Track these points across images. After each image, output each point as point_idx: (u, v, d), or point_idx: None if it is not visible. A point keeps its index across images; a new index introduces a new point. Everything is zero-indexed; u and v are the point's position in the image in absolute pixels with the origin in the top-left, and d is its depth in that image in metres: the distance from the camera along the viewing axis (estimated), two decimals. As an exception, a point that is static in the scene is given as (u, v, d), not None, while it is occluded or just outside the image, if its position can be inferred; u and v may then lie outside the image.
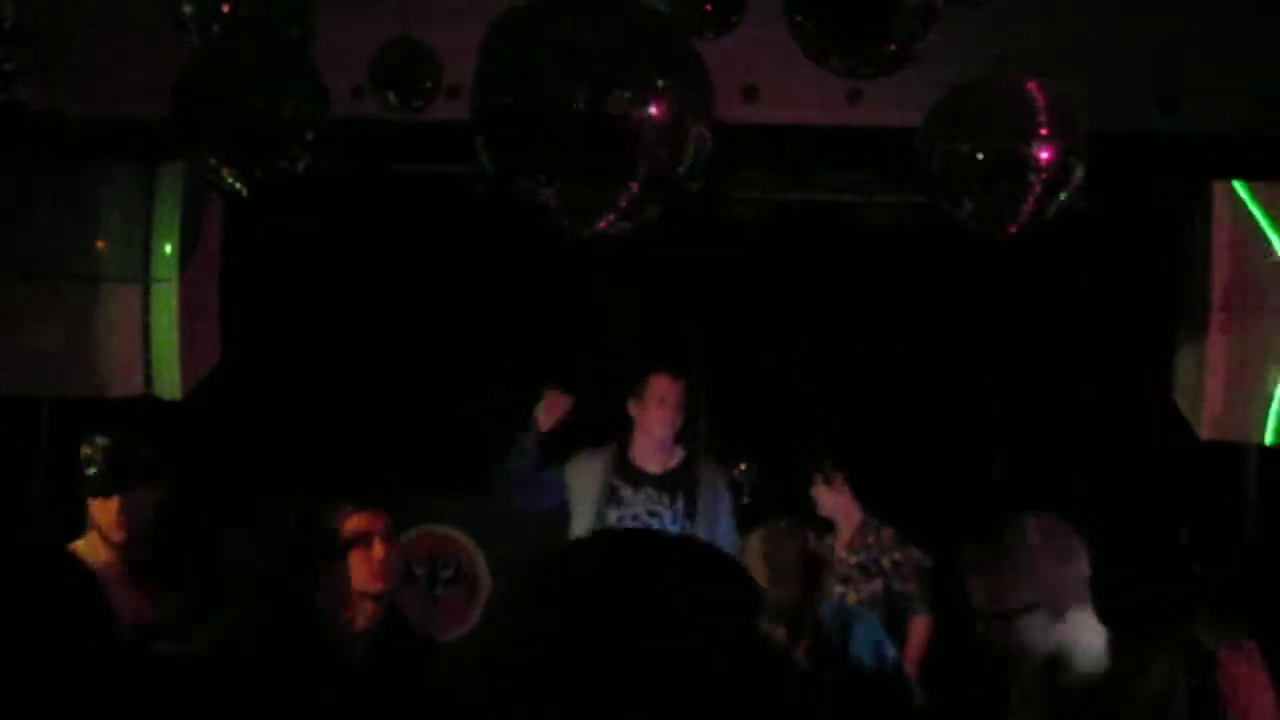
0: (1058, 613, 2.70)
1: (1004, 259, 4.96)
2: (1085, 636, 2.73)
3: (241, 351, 4.97)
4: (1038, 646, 2.61)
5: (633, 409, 4.57)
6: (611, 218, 3.48)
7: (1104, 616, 2.97)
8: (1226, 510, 4.96)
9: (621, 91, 3.40)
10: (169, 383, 4.53)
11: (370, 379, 5.38)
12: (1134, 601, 3.08)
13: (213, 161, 2.97)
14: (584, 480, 4.59)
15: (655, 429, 4.55)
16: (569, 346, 5.31)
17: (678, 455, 4.66)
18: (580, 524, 4.53)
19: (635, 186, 3.45)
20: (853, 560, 4.67)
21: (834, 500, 4.76)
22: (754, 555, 3.43)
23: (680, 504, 4.60)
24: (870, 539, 4.68)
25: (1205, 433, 4.31)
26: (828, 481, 4.76)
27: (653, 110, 3.41)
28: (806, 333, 5.46)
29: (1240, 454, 4.88)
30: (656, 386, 4.54)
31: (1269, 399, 4.18)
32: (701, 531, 4.53)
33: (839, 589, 4.61)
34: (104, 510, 3.19)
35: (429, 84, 3.99)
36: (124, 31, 4.34)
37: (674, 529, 4.58)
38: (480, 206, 5.09)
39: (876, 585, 4.61)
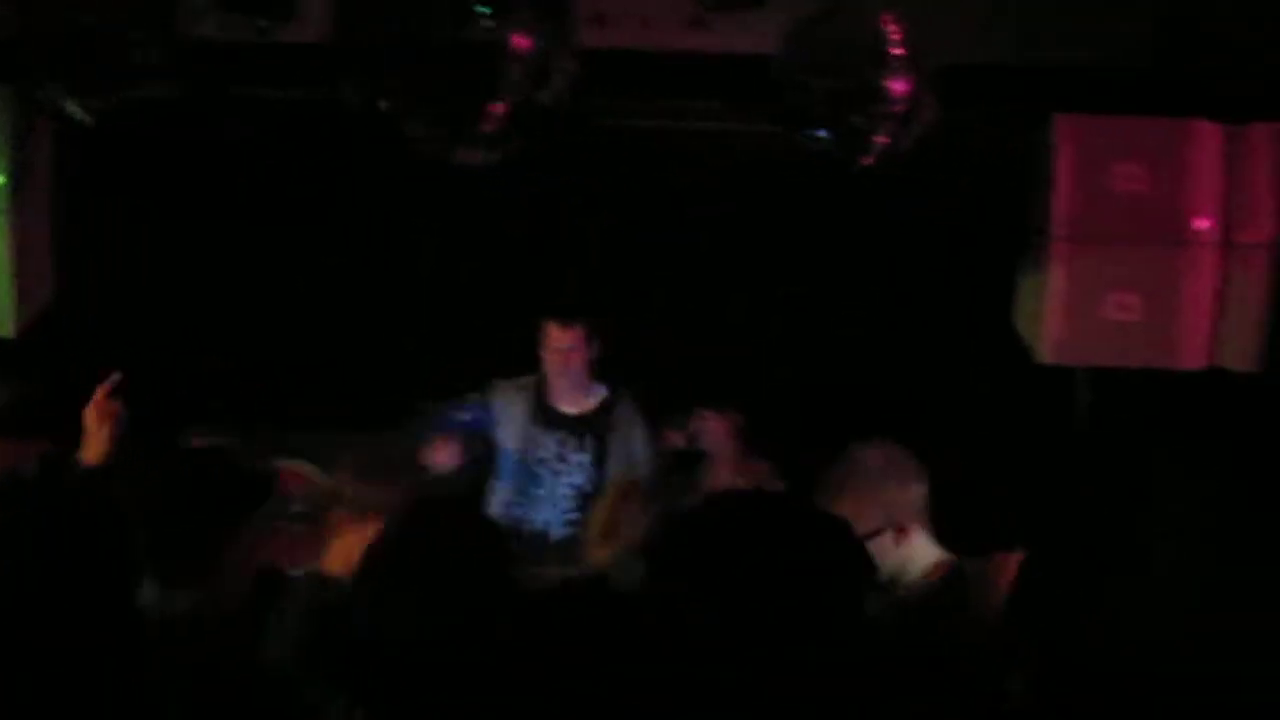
0: (901, 534, 3.00)
1: (856, 187, 5.05)
2: (920, 554, 3.02)
3: (76, 287, 4.77)
4: (883, 566, 2.77)
5: (540, 355, 4.62)
6: (476, 146, 3.44)
7: (940, 534, 3.15)
8: (1057, 430, 5.16)
9: (485, 18, 3.35)
10: (1, 320, 4.33)
11: (216, 313, 5.21)
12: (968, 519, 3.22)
13: (55, 90, 2.83)
14: (510, 415, 4.64)
15: (553, 376, 4.60)
16: (422, 277, 5.23)
17: (596, 397, 4.69)
18: (502, 465, 4.58)
19: (499, 114, 3.42)
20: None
21: (722, 434, 4.74)
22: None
23: (590, 450, 4.63)
24: (754, 469, 4.71)
25: (1045, 357, 4.48)
26: (723, 416, 4.74)
27: (517, 38, 3.37)
28: (667, 264, 5.46)
29: (1071, 377, 5.09)
30: (548, 333, 4.58)
31: (1105, 324, 4.36)
32: (612, 477, 4.57)
33: None
34: None
35: (280, 6, 3.86)
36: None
37: (580, 476, 4.60)
38: (338, 136, 4.98)
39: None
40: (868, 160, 3.95)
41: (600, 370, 4.71)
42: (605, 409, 4.69)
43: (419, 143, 3.50)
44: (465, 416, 4.63)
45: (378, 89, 3.42)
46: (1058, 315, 4.36)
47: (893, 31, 3.88)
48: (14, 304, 4.32)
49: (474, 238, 5.38)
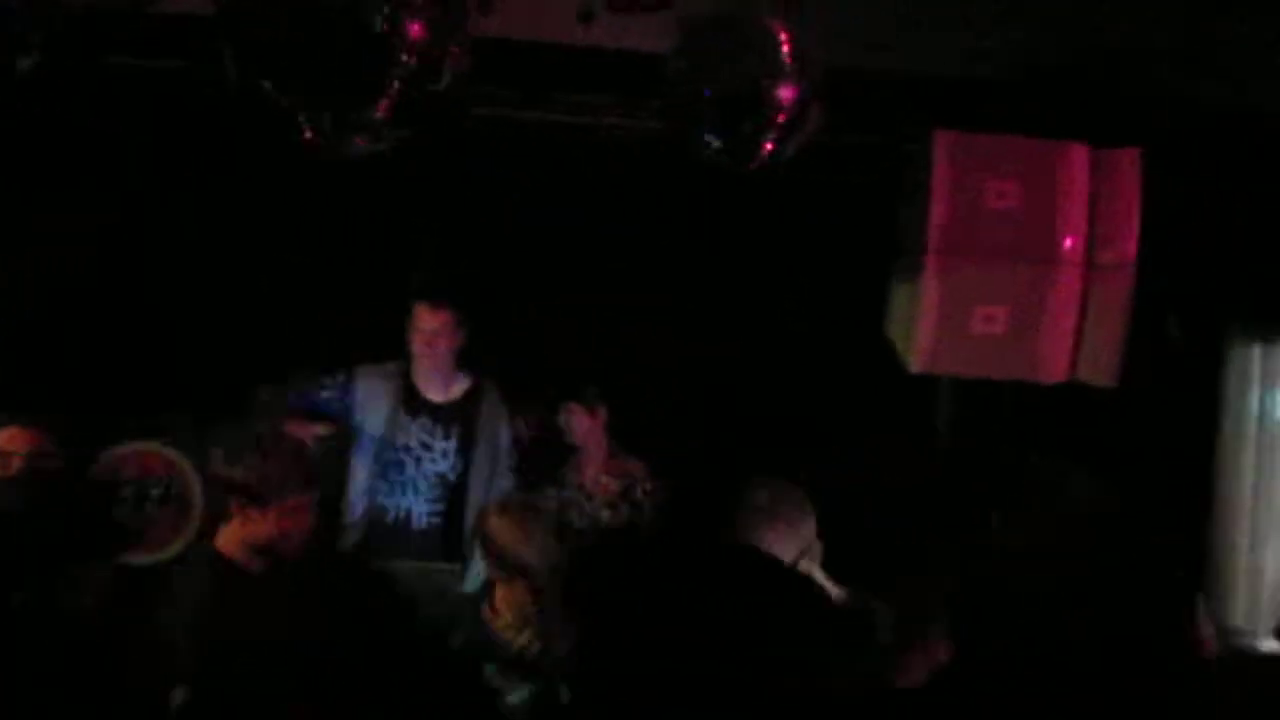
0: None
1: (735, 188, 5.09)
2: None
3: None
4: None
5: (408, 337, 4.61)
6: (364, 138, 3.38)
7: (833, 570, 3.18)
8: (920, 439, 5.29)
9: (380, 5, 3.29)
10: None
11: (85, 288, 5.05)
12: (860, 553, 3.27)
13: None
14: (372, 401, 4.60)
15: (420, 359, 4.58)
16: (297, 259, 5.13)
17: (461, 385, 4.67)
18: (364, 450, 4.54)
19: (388, 105, 3.36)
20: (615, 486, 4.70)
21: (590, 427, 4.74)
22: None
23: (455, 438, 4.60)
24: (627, 467, 4.73)
25: (914, 367, 4.58)
26: (589, 409, 4.74)
27: (411, 27, 3.33)
28: (555, 256, 5.45)
29: (935, 386, 5.22)
30: (417, 316, 4.57)
31: (972, 337, 4.48)
32: (479, 467, 4.57)
33: (605, 513, 4.66)
34: None
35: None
36: None
37: (444, 464, 4.57)
38: (215, 112, 4.85)
39: (627, 511, 4.69)
40: (753, 165, 3.99)
41: (466, 361, 4.70)
42: (472, 397, 4.68)
43: (302, 128, 3.42)
44: (323, 396, 4.61)
45: (263, 70, 3.33)
46: (928, 326, 4.47)
47: (783, 37, 3.91)
48: None
49: (347, 220, 5.31)
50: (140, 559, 4.45)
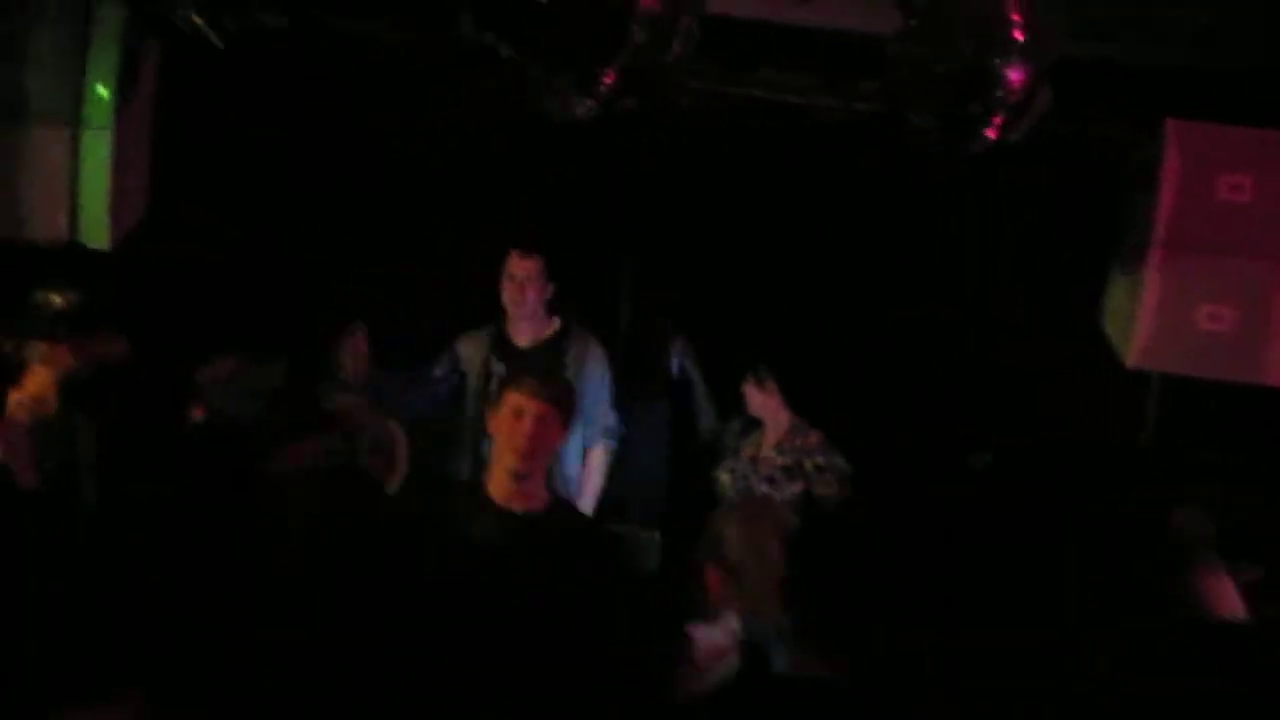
0: None
1: (943, 171, 5.01)
2: None
3: (170, 206, 4.80)
4: None
5: (500, 289, 4.78)
6: (593, 101, 3.43)
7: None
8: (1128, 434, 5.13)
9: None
10: (97, 232, 4.36)
11: (306, 243, 5.24)
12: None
13: (187, 10, 2.83)
14: (469, 356, 4.83)
15: (512, 305, 4.76)
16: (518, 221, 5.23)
17: (549, 328, 4.83)
18: (471, 399, 4.76)
19: (616, 73, 3.40)
20: (779, 461, 4.73)
21: (764, 401, 4.82)
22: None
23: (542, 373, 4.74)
24: (799, 441, 4.75)
25: (1132, 361, 4.44)
26: (759, 383, 4.82)
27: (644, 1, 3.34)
28: (747, 230, 5.45)
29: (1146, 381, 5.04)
30: (510, 264, 4.74)
31: (1196, 334, 4.32)
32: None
33: (763, 489, 4.69)
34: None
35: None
36: None
37: None
38: (429, 71, 4.98)
39: (798, 488, 4.69)
40: (976, 149, 3.90)
41: (557, 308, 4.82)
42: (558, 338, 4.82)
43: (536, 92, 3.47)
44: (438, 373, 4.82)
45: (502, 32, 3.40)
46: (1149, 321, 4.32)
47: (1015, 16, 3.80)
48: (110, 218, 4.35)
49: (553, 183, 5.39)
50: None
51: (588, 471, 4.74)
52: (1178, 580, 2.51)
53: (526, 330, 4.79)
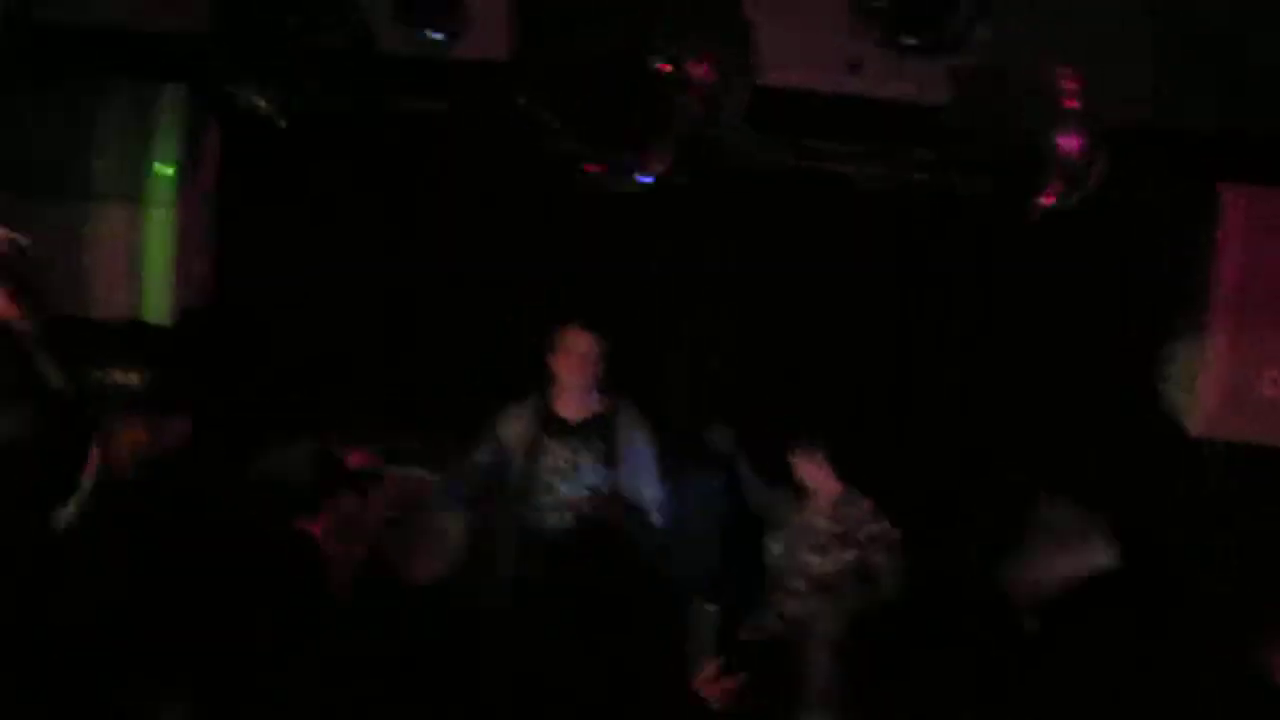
0: None
1: (991, 236, 4.98)
2: None
3: (233, 283, 4.88)
4: None
5: (550, 362, 4.72)
6: (647, 176, 3.44)
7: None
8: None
9: (663, 49, 3.35)
10: (158, 309, 4.43)
11: (367, 322, 5.29)
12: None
13: (252, 91, 2.89)
14: (513, 432, 4.72)
15: (568, 379, 4.70)
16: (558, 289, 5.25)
17: (597, 403, 4.78)
18: (514, 474, 4.69)
19: (671, 147, 3.41)
20: (833, 531, 4.69)
21: (813, 471, 4.79)
22: None
23: (597, 450, 4.70)
24: (849, 510, 4.71)
25: (1196, 429, 4.37)
26: (809, 454, 4.79)
27: (696, 69, 3.37)
28: (788, 299, 5.44)
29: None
30: (567, 338, 4.69)
31: (1261, 400, 4.25)
32: (623, 476, 4.66)
33: (813, 558, 4.65)
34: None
35: (454, 22, 3.92)
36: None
37: (594, 476, 4.66)
38: (480, 147, 5.04)
39: (850, 555, 4.65)
40: (1030, 219, 3.88)
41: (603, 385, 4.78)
42: (608, 413, 4.76)
43: (585, 167, 3.50)
44: (485, 459, 4.72)
45: (553, 110, 3.43)
46: (1212, 388, 4.26)
47: (1068, 85, 3.80)
48: (173, 292, 4.43)
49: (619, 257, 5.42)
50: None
51: None
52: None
53: (575, 405, 4.74)
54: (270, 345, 5.00)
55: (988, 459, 5.17)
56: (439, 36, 3.95)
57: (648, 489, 4.71)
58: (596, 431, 4.71)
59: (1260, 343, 4.23)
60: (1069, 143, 3.71)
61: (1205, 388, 4.26)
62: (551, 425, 4.71)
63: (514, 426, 4.74)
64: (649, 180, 3.52)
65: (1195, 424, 4.35)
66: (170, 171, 4.37)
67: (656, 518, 4.72)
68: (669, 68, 3.30)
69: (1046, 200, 3.78)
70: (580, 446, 4.68)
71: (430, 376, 5.29)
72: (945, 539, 4.68)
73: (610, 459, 4.69)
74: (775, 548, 4.83)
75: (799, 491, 4.85)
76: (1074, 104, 3.75)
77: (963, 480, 5.14)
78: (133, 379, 3.53)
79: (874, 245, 5.36)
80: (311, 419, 4.00)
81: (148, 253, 4.38)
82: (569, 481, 4.65)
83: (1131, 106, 4.29)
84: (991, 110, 3.86)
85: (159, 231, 4.37)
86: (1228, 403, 4.26)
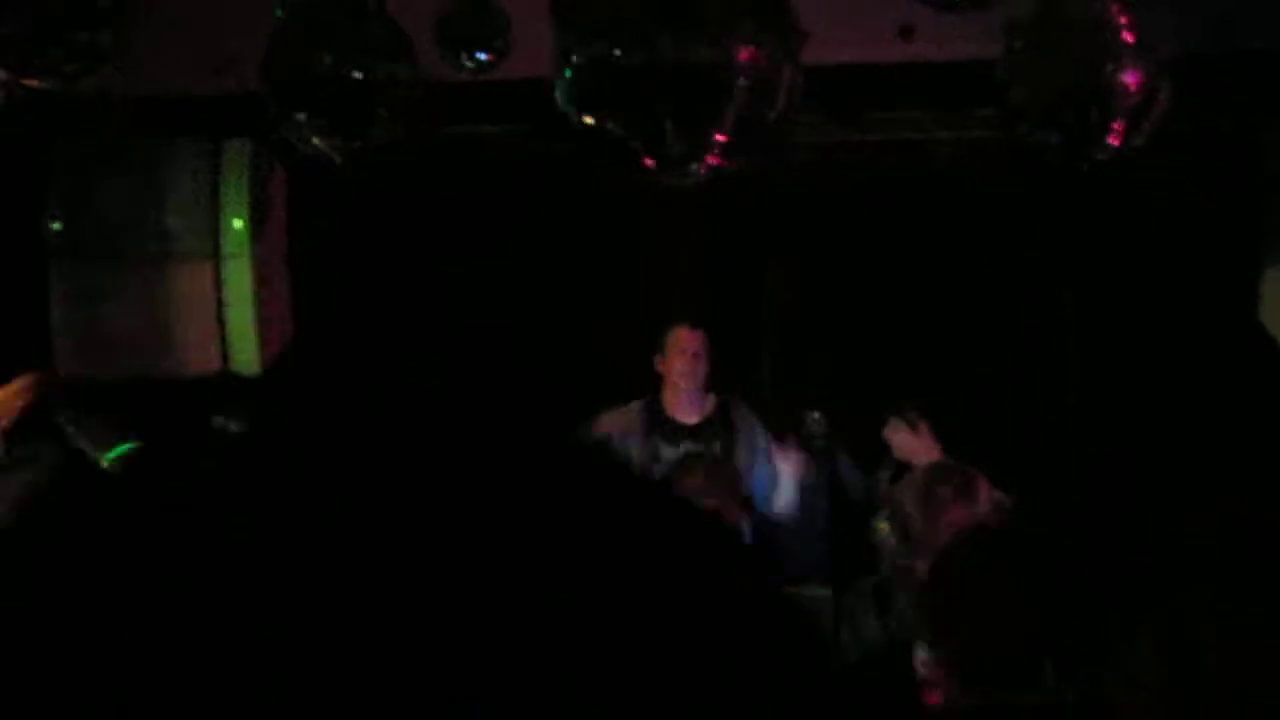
0: None
1: (1072, 190, 4.89)
2: None
3: (313, 327, 4.95)
4: None
5: (659, 364, 4.68)
6: (703, 166, 3.43)
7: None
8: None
9: (711, 38, 3.34)
10: (247, 358, 4.52)
11: (446, 348, 5.32)
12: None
13: (306, 132, 2.93)
14: (619, 435, 4.64)
15: (680, 380, 4.64)
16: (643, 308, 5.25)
17: (711, 403, 4.74)
18: None
19: (726, 134, 3.40)
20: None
21: (914, 443, 4.68)
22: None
23: (718, 451, 4.67)
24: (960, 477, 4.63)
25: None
26: (911, 426, 4.69)
27: (743, 56, 3.36)
28: (874, 276, 5.39)
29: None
30: (677, 338, 4.64)
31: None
32: (749, 475, 4.59)
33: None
34: None
35: (499, 42, 3.94)
36: (182, 6, 4.30)
37: None
38: (542, 169, 5.07)
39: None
40: (1101, 159, 3.81)
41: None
42: (723, 412, 4.72)
43: (650, 162, 3.50)
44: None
45: (605, 112, 3.43)
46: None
47: (1122, 20, 3.72)
48: (258, 342, 4.51)
49: (678, 262, 5.41)
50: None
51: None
52: None
53: (689, 407, 4.71)
54: (353, 384, 5.06)
55: (1081, 414, 5.09)
56: (485, 58, 3.98)
57: (776, 487, 4.66)
58: (714, 432, 4.70)
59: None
60: (1129, 78, 3.64)
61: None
62: (665, 428, 4.69)
63: (620, 428, 4.69)
64: (707, 171, 3.51)
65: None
66: (242, 224, 4.46)
67: (783, 512, 4.66)
68: (715, 56, 3.29)
69: (1113, 139, 3.71)
70: (699, 448, 4.66)
71: (524, 400, 5.31)
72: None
73: (730, 459, 4.65)
74: (882, 525, 4.76)
75: (900, 467, 4.77)
76: (1129, 37, 3.67)
77: (1069, 434, 5.07)
78: (237, 427, 3.59)
79: (951, 213, 5.30)
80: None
81: (229, 305, 4.47)
82: None
83: (1190, 36, 4.19)
84: (1048, 57, 3.80)
85: (238, 283, 4.46)
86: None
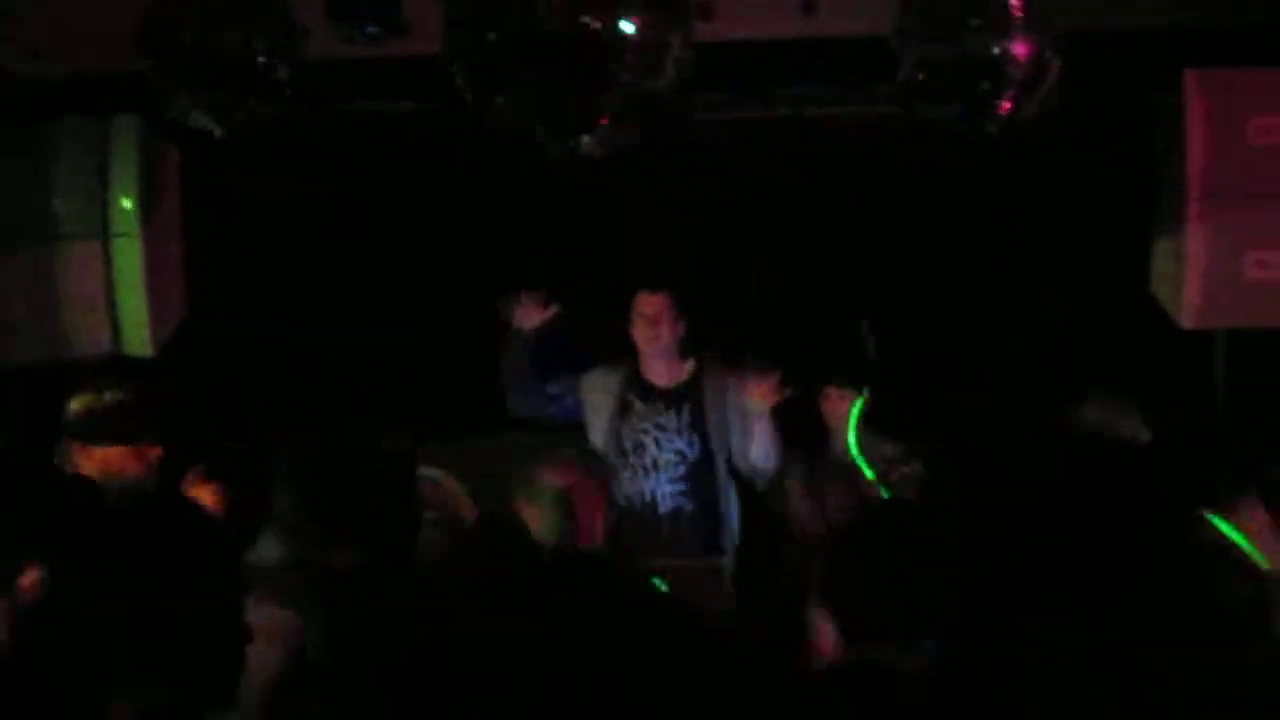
0: None
1: (975, 163, 4.94)
2: None
3: (206, 306, 4.86)
4: None
5: (630, 332, 4.71)
6: (591, 136, 3.42)
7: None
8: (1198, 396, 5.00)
9: (598, 8, 3.32)
10: (138, 340, 4.42)
11: (344, 325, 5.26)
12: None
13: (188, 104, 2.87)
14: (598, 394, 4.73)
15: (644, 344, 4.68)
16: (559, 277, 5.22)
17: (687, 368, 4.75)
18: (596, 437, 4.68)
19: (613, 103, 3.39)
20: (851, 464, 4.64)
21: (842, 412, 4.69)
22: None
23: (686, 416, 4.68)
24: (879, 451, 4.65)
25: (1185, 323, 4.33)
26: (841, 394, 4.69)
27: (630, 26, 3.34)
28: (780, 252, 5.41)
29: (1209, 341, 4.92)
30: (637, 303, 4.68)
31: (1247, 284, 4.20)
32: (714, 442, 4.64)
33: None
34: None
35: (390, 16, 3.90)
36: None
37: (680, 441, 4.65)
38: (445, 141, 5.02)
39: (875, 494, 4.61)
40: (993, 129, 3.85)
41: (689, 348, 4.74)
42: (696, 376, 4.74)
43: (534, 137, 3.48)
44: (554, 391, 4.74)
45: (493, 86, 3.41)
46: (1196, 278, 4.21)
47: (1012, -7, 3.76)
48: (149, 323, 4.42)
49: (584, 234, 5.39)
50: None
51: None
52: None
53: (662, 370, 4.72)
54: (246, 362, 4.99)
55: (994, 375, 5.15)
56: (375, 31, 3.93)
57: (752, 446, 4.63)
58: (687, 396, 4.70)
59: (1239, 227, 4.16)
60: (1018, 49, 3.68)
61: (1189, 278, 4.21)
62: (640, 390, 4.71)
63: (601, 386, 4.74)
64: (598, 144, 3.49)
65: (1184, 316, 4.30)
66: (131, 203, 4.36)
67: (761, 470, 4.65)
68: (601, 27, 3.27)
69: (1004, 109, 3.75)
70: (668, 411, 4.68)
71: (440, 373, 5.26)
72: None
73: (696, 424, 4.69)
74: (791, 483, 4.78)
75: (825, 433, 4.78)
76: (1019, 11, 3.71)
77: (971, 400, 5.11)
78: (110, 401, 3.48)
79: (856, 188, 5.33)
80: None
81: (120, 285, 4.37)
82: (658, 445, 4.65)
83: (1082, 10, 4.24)
84: (939, 29, 3.83)
85: (127, 263, 4.36)
86: (1214, 290, 4.21)
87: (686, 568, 4.25)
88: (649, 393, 4.70)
